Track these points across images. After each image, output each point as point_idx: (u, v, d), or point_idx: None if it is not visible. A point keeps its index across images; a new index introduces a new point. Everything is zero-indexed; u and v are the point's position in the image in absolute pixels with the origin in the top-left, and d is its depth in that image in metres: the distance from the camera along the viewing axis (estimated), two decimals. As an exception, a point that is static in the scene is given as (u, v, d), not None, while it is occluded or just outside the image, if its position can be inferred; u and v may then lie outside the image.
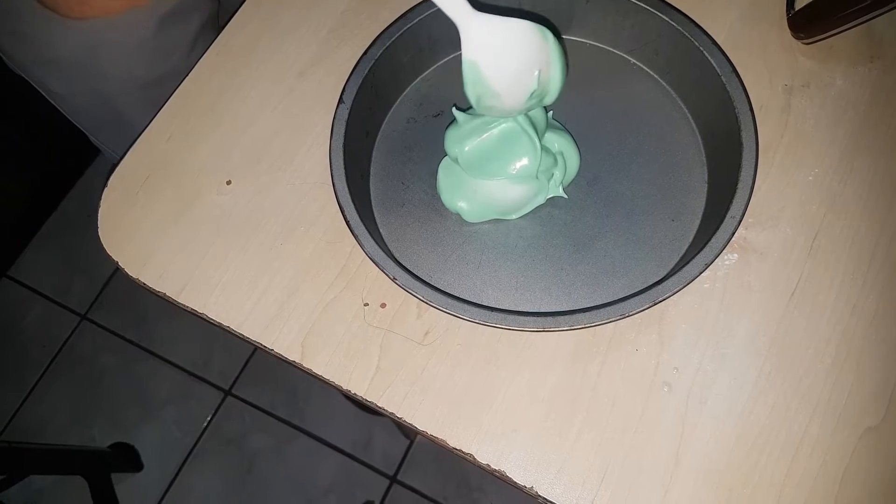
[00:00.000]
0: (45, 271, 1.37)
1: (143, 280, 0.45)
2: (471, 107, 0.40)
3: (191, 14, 0.65)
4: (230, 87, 0.50)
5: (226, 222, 0.46)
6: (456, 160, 0.43)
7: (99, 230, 0.47)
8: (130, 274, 0.45)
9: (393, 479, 1.16)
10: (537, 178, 0.42)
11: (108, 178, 0.48)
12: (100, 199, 0.48)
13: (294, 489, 1.17)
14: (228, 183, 0.47)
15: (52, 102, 0.75)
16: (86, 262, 1.36)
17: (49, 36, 0.63)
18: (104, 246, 0.46)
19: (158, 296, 0.45)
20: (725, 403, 0.39)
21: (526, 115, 0.42)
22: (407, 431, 1.16)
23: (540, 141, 0.41)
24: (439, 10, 0.46)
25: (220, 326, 0.44)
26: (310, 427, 1.21)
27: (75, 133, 0.81)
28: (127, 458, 1.20)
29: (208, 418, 1.23)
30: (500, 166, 0.42)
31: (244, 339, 0.43)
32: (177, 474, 1.20)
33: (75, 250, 1.38)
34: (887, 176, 0.44)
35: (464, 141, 0.42)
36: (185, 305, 0.44)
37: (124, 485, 1.17)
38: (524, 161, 0.42)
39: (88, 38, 0.64)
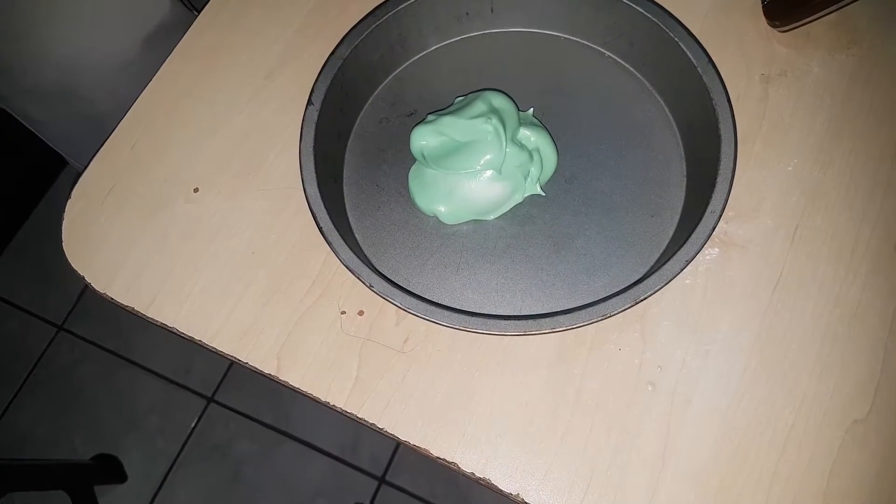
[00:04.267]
0: (19, 283, 1.34)
1: (110, 294, 0.43)
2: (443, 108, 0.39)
3: (174, 31, 0.64)
4: (195, 92, 0.49)
5: (195, 232, 0.45)
6: (421, 154, 0.42)
7: (63, 244, 0.45)
8: (97, 288, 0.44)
9: (381, 480, 1.15)
10: (500, 172, 0.41)
11: (71, 189, 0.47)
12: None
13: (282, 494, 1.15)
14: (196, 191, 0.46)
15: (32, 130, 0.73)
16: (60, 272, 1.32)
17: (29, 65, 0.62)
18: (69, 260, 0.45)
19: (127, 310, 0.43)
20: (711, 401, 0.39)
21: (493, 107, 0.41)
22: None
23: (506, 133, 0.41)
24: (410, 6, 0.45)
25: (191, 340, 0.42)
26: (296, 431, 1.19)
27: (43, 141, 0.79)
28: (110, 469, 1.17)
29: (192, 426, 1.21)
30: (465, 160, 0.41)
31: (217, 353, 0.42)
32: (161, 484, 1.18)
33: (49, 260, 1.34)
34: (867, 163, 0.43)
35: (428, 136, 0.42)
36: (154, 320, 0.42)
37: (108, 497, 1.15)
38: (489, 155, 0.41)
39: (69, 64, 0.62)
